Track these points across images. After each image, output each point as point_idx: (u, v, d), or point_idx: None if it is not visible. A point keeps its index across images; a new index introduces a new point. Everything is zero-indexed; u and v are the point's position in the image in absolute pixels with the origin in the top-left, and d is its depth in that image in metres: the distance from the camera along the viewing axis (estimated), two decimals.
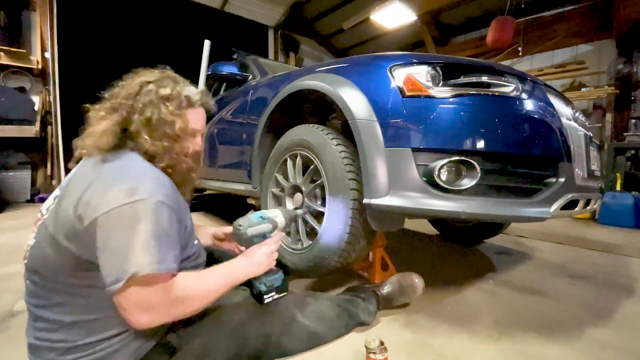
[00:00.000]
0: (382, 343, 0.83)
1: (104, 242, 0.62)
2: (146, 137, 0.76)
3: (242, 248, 0.94)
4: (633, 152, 3.74)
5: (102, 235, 0.62)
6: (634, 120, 4.10)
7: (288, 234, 1.43)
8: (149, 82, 0.80)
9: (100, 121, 0.76)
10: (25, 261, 0.72)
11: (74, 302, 0.68)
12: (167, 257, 0.65)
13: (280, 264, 1.39)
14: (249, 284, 0.89)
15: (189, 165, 0.85)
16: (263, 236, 0.93)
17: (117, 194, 0.64)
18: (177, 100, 0.80)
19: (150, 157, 0.78)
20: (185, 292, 0.69)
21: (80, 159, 0.78)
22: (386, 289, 1.20)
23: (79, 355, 0.67)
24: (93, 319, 0.68)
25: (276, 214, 0.98)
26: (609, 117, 4.38)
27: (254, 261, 0.86)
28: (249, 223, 0.91)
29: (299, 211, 1.28)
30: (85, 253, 0.65)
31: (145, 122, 0.76)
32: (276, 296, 0.90)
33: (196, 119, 0.86)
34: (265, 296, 0.88)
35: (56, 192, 0.75)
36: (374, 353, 0.81)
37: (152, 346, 0.74)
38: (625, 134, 3.99)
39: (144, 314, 0.64)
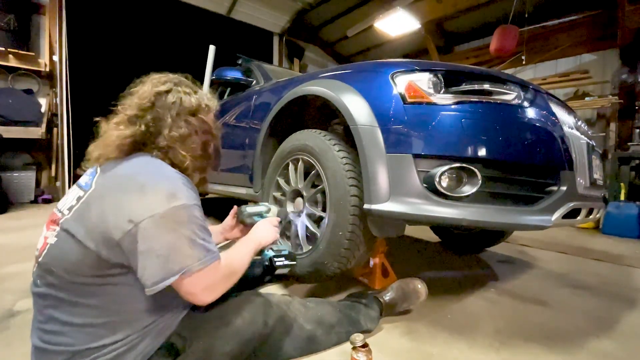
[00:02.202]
0: (366, 345, 0.85)
1: (149, 245, 0.65)
2: (182, 151, 0.81)
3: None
4: (637, 162, 3.71)
5: (147, 239, 0.65)
6: (638, 130, 4.08)
7: (288, 238, 1.43)
8: (166, 92, 0.82)
9: (116, 132, 0.77)
10: (40, 259, 0.71)
11: (86, 304, 0.68)
12: (211, 247, 0.74)
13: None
14: (264, 266, 1.05)
15: (208, 166, 0.94)
16: (260, 215, 1.16)
17: (157, 199, 0.68)
18: (202, 112, 0.86)
19: (179, 163, 0.81)
20: (232, 267, 0.82)
21: (92, 165, 0.79)
22: (388, 295, 1.19)
23: None
24: (102, 322, 0.69)
25: (269, 204, 1.24)
26: (613, 126, 4.36)
27: (261, 230, 1.04)
28: (248, 206, 1.19)
29: (288, 209, 1.44)
30: (117, 256, 0.66)
31: (178, 138, 0.81)
32: (286, 262, 1.03)
33: (214, 121, 0.91)
34: (275, 259, 1.02)
35: (77, 192, 0.74)
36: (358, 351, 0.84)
37: (156, 349, 0.74)
38: (629, 143, 3.97)
39: (208, 294, 0.74)
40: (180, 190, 0.71)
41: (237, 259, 0.87)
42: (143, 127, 0.78)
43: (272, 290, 1.40)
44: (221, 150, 1.00)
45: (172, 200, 0.68)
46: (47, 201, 4.15)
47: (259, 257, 1.05)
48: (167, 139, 0.79)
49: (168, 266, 0.66)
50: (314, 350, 0.96)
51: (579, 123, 1.37)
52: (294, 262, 1.06)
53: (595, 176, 1.35)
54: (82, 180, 0.78)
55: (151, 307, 0.73)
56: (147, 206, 0.66)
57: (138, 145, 0.78)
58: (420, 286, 1.22)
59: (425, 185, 1.04)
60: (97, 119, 0.83)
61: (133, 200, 0.67)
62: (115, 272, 0.68)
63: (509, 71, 4.93)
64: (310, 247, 1.27)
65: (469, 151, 1.02)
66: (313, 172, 1.32)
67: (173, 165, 0.80)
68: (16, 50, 3.93)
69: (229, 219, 1.22)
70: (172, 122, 0.80)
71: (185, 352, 0.76)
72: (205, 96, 0.90)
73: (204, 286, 0.72)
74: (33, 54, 4.09)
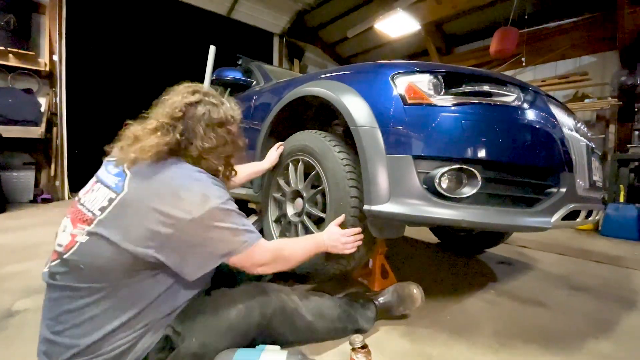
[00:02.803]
0: (365, 346, 0.85)
1: (193, 244, 0.74)
2: (214, 160, 0.89)
3: None
4: (637, 163, 3.72)
5: (189, 239, 0.74)
6: (637, 132, 4.08)
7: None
8: (196, 103, 0.86)
9: (150, 137, 0.79)
10: (66, 255, 0.72)
11: (104, 298, 0.71)
12: (252, 229, 0.84)
13: None
14: None
15: (233, 171, 1.08)
16: None
17: (193, 202, 0.74)
18: (228, 123, 0.92)
19: (211, 171, 0.87)
20: (281, 251, 0.91)
21: (119, 164, 0.80)
22: (383, 299, 1.19)
23: (87, 358, 0.70)
24: (116, 315, 0.72)
25: None
26: (612, 128, 4.37)
27: (334, 235, 1.09)
28: None
29: (288, 210, 1.47)
30: (154, 257, 0.72)
31: (209, 149, 0.86)
32: None
33: (238, 132, 0.97)
34: None
35: (107, 192, 0.76)
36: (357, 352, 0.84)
37: (154, 344, 0.76)
38: (628, 145, 3.98)
39: (260, 269, 0.86)
40: (212, 190, 0.78)
41: (290, 246, 0.97)
42: (178, 136, 0.81)
43: None
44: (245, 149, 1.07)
45: (206, 202, 0.75)
46: (46, 201, 4.15)
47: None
48: (198, 149, 0.84)
49: (215, 253, 0.78)
50: (312, 339, 0.99)
51: (579, 125, 1.37)
52: None
53: (595, 178, 1.35)
54: (109, 180, 0.78)
55: (162, 307, 0.78)
56: (184, 209, 0.72)
57: (173, 153, 0.81)
58: (416, 291, 1.19)
59: (425, 186, 1.04)
60: (129, 121, 0.86)
61: (170, 204, 0.72)
62: (145, 271, 0.73)
63: (509, 73, 4.93)
64: None
65: (469, 152, 1.02)
66: (313, 172, 1.32)
67: (205, 170, 0.84)
68: (16, 50, 3.93)
69: (274, 153, 1.49)
70: (203, 134, 0.85)
71: (180, 347, 0.76)
72: (230, 108, 0.94)
73: (253, 263, 0.84)
74: (33, 53, 4.09)
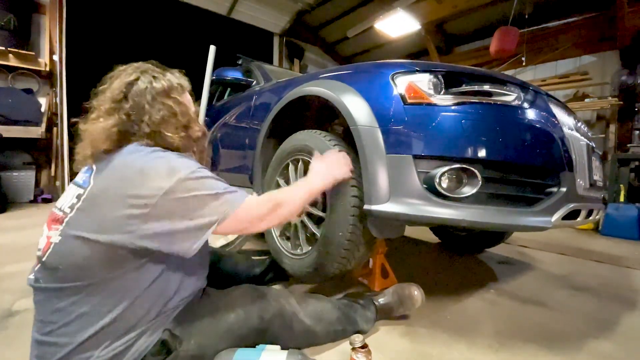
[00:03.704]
0: (365, 345, 0.85)
1: (171, 220, 0.69)
2: (168, 133, 0.82)
3: None
4: (637, 163, 3.72)
5: (166, 215, 0.69)
6: (637, 132, 4.08)
7: (287, 238, 1.43)
8: (135, 81, 0.82)
9: (99, 124, 0.78)
10: (44, 259, 0.70)
11: (90, 295, 0.69)
12: (236, 189, 0.78)
13: (279, 268, 1.40)
14: None
15: (201, 148, 0.94)
16: None
17: (159, 177, 0.69)
18: (175, 92, 0.86)
19: (169, 146, 0.82)
20: (277, 199, 0.85)
21: (85, 164, 0.80)
22: (383, 300, 1.18)
23: (80, 357, 0.68)
24: (104, 312, 0.69)
25: None
26: (612, 128, 4.37)
27: (320, 172, 1.03)
28: None
29: None
30: (132, 243, 0.68)
31: (161, 121, 0.81)
32: None
33: (190, 101, 0.91)
34: None
35: (75, 190, 0.74)
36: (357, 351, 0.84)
37: (150, 347, 0.74)
38: (628, 145, 3.97)
39: (260, 224, 0.81)
40: (177, 163, 0.73)
41: (284, 192, 0.92)
42: (124, 116, 0.79)
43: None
44: (207, 132, 0.99)
45: (174, 174, 0.70)
46: (47, 201, 4.15)
47: (258, 258, 1.05)
48: (150, 125, 0.80)
49: (202, 223, 0.71)
50: (312, 343, 0.98)
51: (579, 124, 1.37)
52: None
53: (595, 177, 1.35)
54: (79, 178, 0.77)
55: (153, 300, 0.74)
56: (152, 187, 0.68)
57: (125, 135, 0.79)
58: (416, 292, 1.19)
59: (425, 186, 1.04)
60: (75, 119, 0.84)
61: (137, 185, 0.68)
62: (127, 263, 0.70)
63: (509, 72, 4.94)
64: (310, 247, 1.27)
65: (469, 152, 1.02)
66: None
67: (164, 147, 0.81)
68: (16, 50, 3.93)
69: None
70: (149, 107, 0.81)
71: (177, 350, 0.75)
72: (174, 76, 0.89)
73: (250, 218, 0.79)
74: (33, 53, 4.09)
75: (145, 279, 0.73)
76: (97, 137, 0.76)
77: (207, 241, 0.81)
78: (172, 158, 0.75)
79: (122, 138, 0.78)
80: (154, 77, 0.84)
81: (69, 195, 0.75)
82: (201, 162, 0.87)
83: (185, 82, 0.91)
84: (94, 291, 0.69)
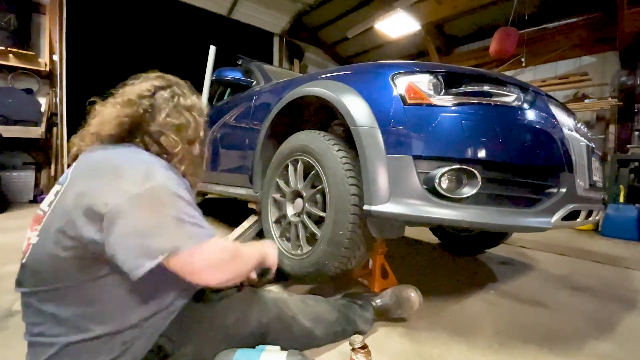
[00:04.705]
0: (365, 346, 0.85)
1: (128, 227, 0.61)
2: (173, 136, 0.81)
3: None
4: (637, 164, 3.72)
5: (125, 221, 0.61)
6: (637, 133, 4.08)
7: (288, 239, 1.43)
8: (163, 88, 0.84)
9: (110, 109, 0.78)
10: (23, 261, 0.69)
11: (73, 297, 0.67)
12: (204, 224, 0.70)
13: (279, 269, 1.39)
14: None
15: (194, 171, 0.90)
16: None
17: (132, 181, 0.64)
18: (196, 110, 0.88)
19: (169, 148, 0.81)
20: (239, 250, 0.78)
21: (77, 155, 0.78)
22: (381, 301, 1.18)
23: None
24: (90, 314, 0.67)
25: None
26: (612, 128, 4.37)
27: (272, 249, 0.96)
28: None
29: (288, 211, 1.41)
30: (96, 245, 0.63)
31: (171, 125, 0.81)
32: None
33: (204, 127, 0.93)
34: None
35: (56, 187, 0.73)
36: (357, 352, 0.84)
37: (146, 352, 0.73)
38: (628, 146, 3.98)
39: (214, 273, 0.69)
40: (156, 171, 0.68)
41: (244, 247, 0.84)
42: (141, 110, 0.78)
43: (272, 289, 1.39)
44: (206, 156, 0.98)
45: (148, 180, 0.65)
46: None
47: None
48: (161, 124, 0.80)
49: (153, 247, 0.62)
50: (311, 345, 0.97)
51: (579, 125, 1.37)
52: None
53: (595, 178, 1.35)
54: (63, 176, 0.76)
55: (140, 302, 0.71)
56: (122, 188, 0.63)
57: (133, 127, 0.78)
58: (414, 295, 1.18)
59: (425, 186, 1.04)
60: (94, 98, 0.83)
61: (107, 183, 0.64)
62: (99, 265, 0.66)
63: (509, 73, 4.93)
64: (311, 247, 1.27)
65: (469, 153, 1.02)
66: (313, 172, 1.32)
67: (162, 151, 0.80)
68: (16, 50, 3.92)
69: None
70: (169, 111, 0.82)
71: (174, 355, 0.75)
72: (199, 100, 0.92)
73: (206, 264, 0.68)
74: (33, 53, 4.08)
75: (128, 282, 0.66)
76: (107, 119, 0.76)
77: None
78: (156, 166, 0.70)
79: (130, 129, 0.78)
80: (183, 92, 0.87)
81: (51, 194, 0.73)
82: (190, 185, 0.84)
83: (206, 110, 0.95)
84: (74, 295, 0.66)
